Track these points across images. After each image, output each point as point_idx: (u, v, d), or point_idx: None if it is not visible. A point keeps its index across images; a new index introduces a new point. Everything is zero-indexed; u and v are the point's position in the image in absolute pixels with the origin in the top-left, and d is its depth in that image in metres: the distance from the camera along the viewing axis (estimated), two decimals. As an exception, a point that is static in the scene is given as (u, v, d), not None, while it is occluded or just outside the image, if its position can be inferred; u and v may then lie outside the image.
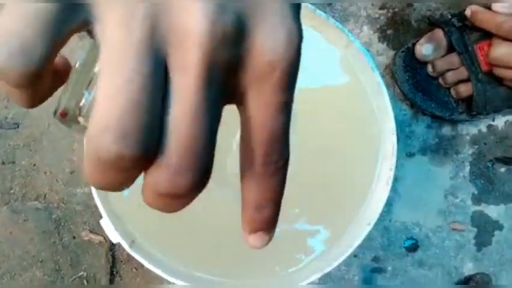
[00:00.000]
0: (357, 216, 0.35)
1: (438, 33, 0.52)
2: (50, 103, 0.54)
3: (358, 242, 0.33)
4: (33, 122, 0.56)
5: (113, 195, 0.35)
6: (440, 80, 0.54)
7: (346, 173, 0.37)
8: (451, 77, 0.52)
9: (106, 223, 0.34)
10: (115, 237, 0.34)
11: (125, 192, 0.37)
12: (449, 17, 0.53)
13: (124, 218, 0.36)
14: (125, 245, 0.34)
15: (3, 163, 0.56)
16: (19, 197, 0.56)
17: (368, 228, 0.34)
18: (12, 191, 0.56)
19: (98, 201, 0.34)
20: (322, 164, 0.37)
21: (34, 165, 0.56)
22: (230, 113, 0.15)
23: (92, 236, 0.55)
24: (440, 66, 0.52)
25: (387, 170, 0.34)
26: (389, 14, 0.58)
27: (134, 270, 0.55)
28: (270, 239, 0.16)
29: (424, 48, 0.52)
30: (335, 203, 0.37)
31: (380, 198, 0.34)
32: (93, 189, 0.34)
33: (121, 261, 0.55)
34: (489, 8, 0.46)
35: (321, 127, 0.37)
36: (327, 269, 0.33)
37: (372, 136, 0.36)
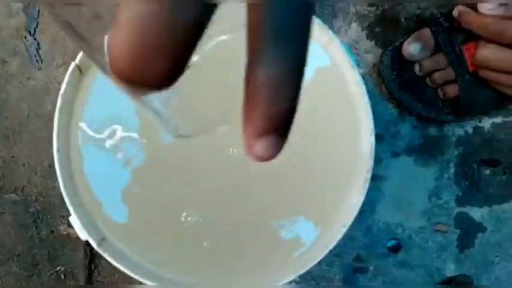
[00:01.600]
0: (333, 218, 0.35)
1: (426, 32, 0.51)
2: (28, 94, 0.52)
3: (333, 243, 0.33)
4: (13, 113, 0.55)
5: (82, 191, 0.35)
6: (428, 80, 0.53)
7: (323, 173, 0.36)
8: (438, 77, 0.51)
9: (74, 220, 0.33)
10: (83, 234, 0.33)
11: (97, 187, 0.36)
12: (438, 16, 0.52)
13: (94, 214, 0.35)
14: (93, 243, 0.33)
15: (-20, 154, 0.55)
16: (-4, 189, 0.55)
17: (343, 230, 0.33)
18: (-11, 183, 0.55)
19: (66, 198, 0.33)
20: (298, 164, 0.36)
21: (13, 157, 0.55)
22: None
23: (71, 230, 0.54)
24: (427, 66, 0.51)
25: (364, 171, 0.33)
26: (378, 12, 0.57)
27: (112, 265, 0.54)
28: (282, 145, 0.14)
29: (412, 47, 0.52)
30: (312, 204, 0.36)
31: (356, 201, 0.34)
32: (61, 186, 0.33)
33: (100, 256, 0.54)
34: (475, 8, 0.46)
35: (299, 125, 0.36)
36: (302, 271, 0.33)
37: (351, 136, 0.35)
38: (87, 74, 0.35)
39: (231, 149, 0.35)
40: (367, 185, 0.33)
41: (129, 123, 0.35)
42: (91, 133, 0.35)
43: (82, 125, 0.35)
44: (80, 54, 0.34)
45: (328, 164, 0.35)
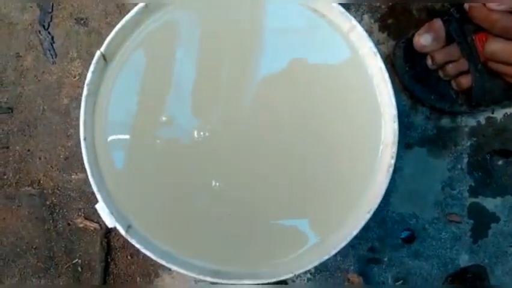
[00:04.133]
0: (357, 204, 0.35)
1: (437, 22, 0.51)
2: (42, 88, 0.53)
3: (357, 230, 0.33)
4: (28, 107, 0.55)
5: (109, 179, 0.35)
6: (440, 73, 0.53)
7: (346, 159, 0.36)
8: (451, 69, 0.51)
9: (101, 207, 0.34)
10: (110, 221, 0.34)
11: (123, 176, 0.36)
12: (449, 6, 0.52)
13: (120, 202, 0.35)
14: (121, 230, 0.33)
15: (-4, 148, 0.55)
16: (13, 183, 0.55)
17: (368, 216, 0.33)
18: (5, 177, 0.55)
19: (94, 186, 0.33)
20: (321, 150, 0.37)
21: (28, 150, 0.55)
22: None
23: (87, 222, 0.54)
24: (439, 58, 0.51)
25: (388, 157, 0.34)
26: (390, 3, 0.57)
27: (129, 257, 0.54)
28: None
29: (422, 39, 0.51)
30: (335, 190, 0.37)
31: (381, 187, 0.34)
32: (89, 173, 0.33)
33: (116, 249, 0.55)
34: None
35: (321, 112, 0.37)
36: (326, 257, 0.33)
37: (374, 122, 0.35)
38: (112, 62, 0.35)
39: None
40: (391, 170, 0.33)
41: (154, 109, 0.36)
42: (115, 120, 0.35)
43: (107, 112, 0.35)
44: (106, 42, 0.34)
45: (352, 152, 0.36)
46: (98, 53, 0.34)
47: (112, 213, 0.34)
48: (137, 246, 0.33)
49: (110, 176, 0.35)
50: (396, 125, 0.33)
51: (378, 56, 0.34)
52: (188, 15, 0.37)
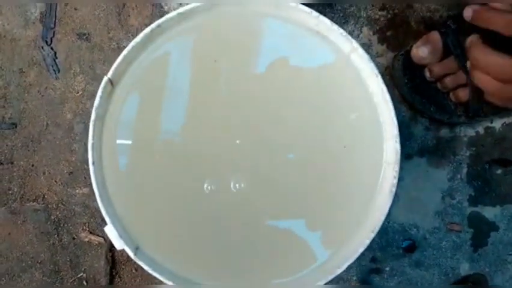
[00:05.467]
0: (361, 224, 0.36)
1: (434, 35, 0.51)
2: (46, 103, 0.53)
3: (362, 248, 0.34)
4: (32, 122, 0.56)
5: (117, 202, 0.35)
6: (439, 85, 0.54)
7: (348, 179, 0.37)
8: (449, 82, 0.52)
9: (110, 230, 0.34)
10: (119, 244, 0.34)
11: (130, 198, 0.37)
12: (446, 18, 0.52)
13: (128, 224, 0.36)
14: (129, 252, 0.34)
15: (1, 163, 0.55)
16: (17, 198, 0.55)
17: (372, 236, 0.34)
18: (10, 192, 0.55)
19: (102, 209, 0.34)
20: (322, 168, 0.37)
21: (33, 165, 0.56)
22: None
23: (92, 237, 0.55)
24: (437, 71, 0.52)
25: (390, 177, 0.34)
26: (389, 16, 0.58)
27: (134, 271, 0.55)
28: None
29: (420, 51, 0.52)
30: (338, 211, 0.37)
31: (384, 206, 0.35)
32: (98, 197, 0.34)
33: (121, 262, 0.55)
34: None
35: (322, 131, 0.37)
36: (330, 277, 0.34)
37: (376, 143, 0.36)
38: (118, 86, 0.36)
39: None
40: (394, 190, 0.34)
41: (160, 131, 0.36)
42: (122, 144, 0.36)
43: (115, 135, 0.35)
44: (113, 68, 0.34)
45: (354, 171, 0.36)
46: (105, 79, 0.34)
47: (120, 236, 0.34)
48: (146, 268, 0.34)
49: (118, 199, 0.35)
50: (398, 145, 0.34)
51: (380, 77, 0.34)
52: (193, 40, 0.38)
